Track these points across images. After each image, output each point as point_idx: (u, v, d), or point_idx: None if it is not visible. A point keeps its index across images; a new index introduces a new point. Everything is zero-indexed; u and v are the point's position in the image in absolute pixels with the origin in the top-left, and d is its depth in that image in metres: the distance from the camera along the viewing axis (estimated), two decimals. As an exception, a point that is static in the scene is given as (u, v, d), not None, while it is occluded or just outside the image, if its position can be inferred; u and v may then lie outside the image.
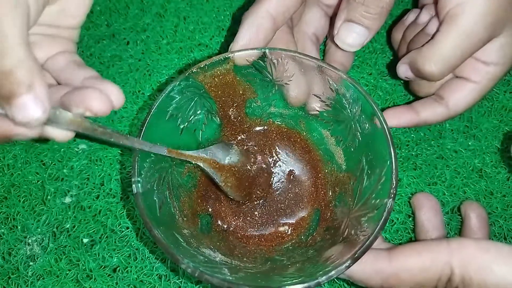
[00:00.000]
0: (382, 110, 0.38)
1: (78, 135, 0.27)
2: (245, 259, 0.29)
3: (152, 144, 0.27)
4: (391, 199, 0.25)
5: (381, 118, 0.28)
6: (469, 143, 0.38)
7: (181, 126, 0.31)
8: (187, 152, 0.30)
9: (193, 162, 0.30)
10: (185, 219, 0.29)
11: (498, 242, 0.27)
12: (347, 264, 0.24)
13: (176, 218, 0.29)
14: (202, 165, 0.30)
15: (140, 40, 0.39)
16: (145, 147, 0.27)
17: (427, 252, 0.26)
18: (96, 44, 0.39)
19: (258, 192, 0.33)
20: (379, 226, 0.25)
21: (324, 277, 0.24)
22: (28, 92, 0.21)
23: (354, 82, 0.29)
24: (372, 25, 0.32)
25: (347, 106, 0.30)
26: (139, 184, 0.26)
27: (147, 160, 0.28)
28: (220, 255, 0.28)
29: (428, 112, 0.35)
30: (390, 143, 0.27)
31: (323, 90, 0.31)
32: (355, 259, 0.24)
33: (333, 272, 0.24)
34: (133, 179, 0.26)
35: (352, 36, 0.33)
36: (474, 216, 0.34)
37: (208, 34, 0.40)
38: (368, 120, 0.28)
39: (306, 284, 0.23)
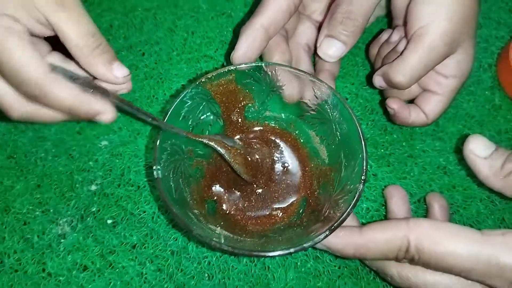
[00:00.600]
0: (365, 113, 0.44)
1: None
2: (244, 235, 0.35)
3: (176, 127, 0.34)
4: (361, 184, 0.32)
5: (355, 120, 0.34)
6: (436, 144, 0.44)
7: (192, 126, 0.37)
8: (202, 135, 0.36)
9: (206, 142, 0.36)
10: (195, 202, 0.35)
11: (449, 223, 0.33)
12: (326, 233, 0.30)
13: (188, 201, 0.35)
14: (214, 144, 0.36)
15: (153, 51, 0.45)
16: (169, 128, 0.33)
17: (390, 228, 0.32)
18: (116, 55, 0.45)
19: (261, 176, 0.39)
20: (351, 205, 0.31)
21: (307, 244, 0.30)
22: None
23: (333, 90, 0.35)
24: (348, 41, 0.39)
25: (328, 110, 0.36)
26: (159, 171, 0.32)
27: (165, 153, 0.34)
28: (224, 231, 0.34)
29: (414, 115, 0.41)
30: (362, 140, 0.33)
31: (310, 97, 0.37)
32: (331, 230, 0.30)
33: (315, 240, 0.30)
34: (154, 167, 0.32)
35: (332, 49, 0.39)
36: (437, 206, 0.39)
37: (212, 47, 0.46)
38: (345, 122, 0.35)
39: (293, 249, 0.30)
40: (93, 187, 0.39)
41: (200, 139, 0.36)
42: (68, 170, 0.40)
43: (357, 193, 0.32)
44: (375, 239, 0.32)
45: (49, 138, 0.41)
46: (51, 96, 0.31)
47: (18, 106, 0.32)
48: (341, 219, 0.30)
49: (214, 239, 0.31)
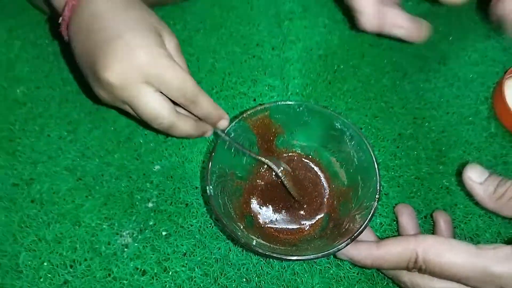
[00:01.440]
0: (377, 141, 0.52)
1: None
2: (278, 244, 0.42)
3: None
4: (376, 202, 0.39)
5: (370, 150, 0.41)
6: (439, 168, 0.51)
7: (234, 153, 0.45)
8: (269, 158, 0.46)
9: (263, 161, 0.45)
10: (237, 216, 0.43)
11: (450, 239, 0.39)
12: (347, 241, 0.37)
13: (232, 215, 0.42)
14: (270, 164, 0.45)
15: (196, 90, 0.54)
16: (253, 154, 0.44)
17: (401, 243, 0.38)
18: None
19: (304, 192, 0.47)
20: (368, 219, 0.38)
21: (332, 250, 0.37)
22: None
23: (352, 124, 0.43)
24: None
25: (347, 141, 0.44)
26: (211, 190, 0.40)
27: (214, 175, 0.41)
28: (261, 240, 0.41)
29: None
30: (376, 166, 0.40)
31: (330, 129, 0.45)
32: (352, 239, 0.37)
33: (338, 247, 0.37)
34: (207, 187, 0.40)
35: None
36: (442, 221, 0.46)
37: (246, 85, 0.54)
38: (361, 151, 0.42)
39: (320, 254, 0.37)
40: (150, 205, 0.47)
41: (266, 160, 0.45)
42: (129, 190, 0.47)
43: (372, 209, 0.39)
44: (389, 252, 0.39)
45: (112, 163, 0.49)
46: (178, 129, 0.43)
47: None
48: (359, 230, 0.38)
49: (255, 245, 0.38)
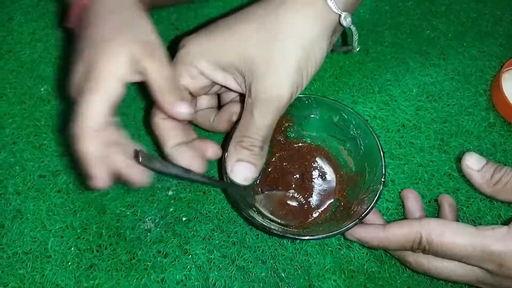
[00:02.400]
0: (382, 131, 0.55)
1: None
2: (291, 228, 0.45)
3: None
4: (381, 185, 0.42)
5: (375, 136, 0.44)
6: (442, 156, 0.54)
7: None
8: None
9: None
10: (252, 204, 0.46)
11: (452, 221, 0.42)
12: (356, 221, 0.40)
13: (248, 202, 0.45)
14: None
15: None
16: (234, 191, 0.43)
17: (406, 225, 0.41)
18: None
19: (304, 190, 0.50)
20: (374, 201, 0.41)
21: (342, 229, 0.40)
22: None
23: (357, 114, 0.46)
24: (257, 162, 0.41)
25: (354, 129, 0.47)
26: (228, 178, 0.43)
27: None
28: (274, 224, 0.44)
29: None
30: (381, 152, 0.43)
31: (338, 119, 0.48)
32: (360, 219, 0.40)
33: (348, 226, 0.40)
34: (224, 176, 0.42)
35: (244, 173, 0.41)
36: (447, 204, 0.48)
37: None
38: (367, 138, 0.45)
39: (331, 234, 0.40)
40: (170, 193, 0.50)
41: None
42: (150, 180, 0.50)
43: (379, 191, 0.42)
44: (395, 234, 0.41)
45: (133, 155, 0.52)
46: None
47: None
48: (367, 211, 0.41)
49: (272, 227, 0.41)
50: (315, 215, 0.48)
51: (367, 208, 0.41)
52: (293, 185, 0.50)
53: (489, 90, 0.58)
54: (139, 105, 0.55)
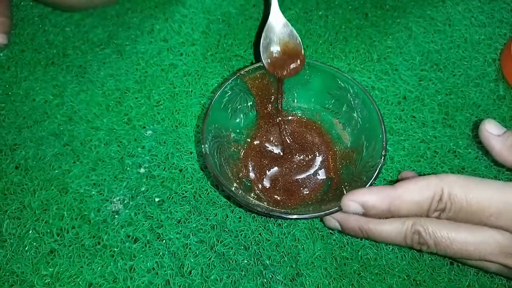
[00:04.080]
0: (381, 103, 0.49)
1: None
2: (277, 208, 0.40)
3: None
4: (382, 159, 0.36)
5: (375, 106, 0.39)
6: (446, 131, 0.48)
7: (230, 114, 0.42)
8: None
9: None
10: (234, 178, 0.40)
11: (475, 177, 0.35)
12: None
13: (229, 176, 0.39)
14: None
15: (190, 52, 0.51)
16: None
17: (421, 180, 0.34)
18: (158, 55, 0.50)
19: (292, 154, 0.44)
20: (374, 177, 0.36)
21: (335, 209, 0.34)
22: None
23: (355, 81, 0.40)
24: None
25: (351, 99, 0.41)
26: (207, 148, 0.37)
27: (210, 134, 0.39)
28: (259, 202, 0.39)
29: None
30: (382, 123, 0.38)
31: (333, 88, 0.42)
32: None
33: (340, 202, 0.35)
34: (202, 145, 0.37)
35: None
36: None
37: (242, 47, 0.51)
38: (366, 108, 0.40)
39: (323, 212, 0.34)
40: (142, 170, 0.44)
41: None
42: (119, 155, 0.45)
43: (379, 166, 0.36)
44: (409, 190, 0.34)
45: (101, 128, 0.46)
46: None
47: None
48: (371, 181, 0.35)
49: (253, 203, 0.35)
50: (304, 193, 0.43)
51: (366, 185, 0.36)
52: (280, 162, 0.44)
53: (499, 59, 0.53)
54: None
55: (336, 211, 0.35)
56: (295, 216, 0.35)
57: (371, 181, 0.36)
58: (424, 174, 0.45)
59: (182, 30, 0.52)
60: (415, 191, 0.34)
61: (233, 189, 0.36)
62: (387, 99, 0.50)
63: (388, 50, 0.52)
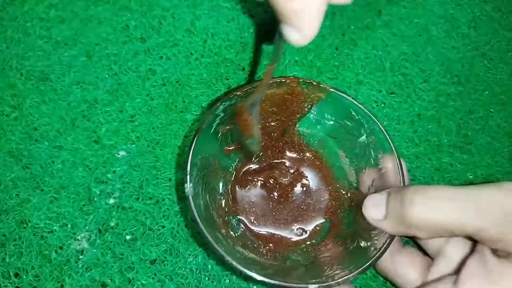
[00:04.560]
0: (392, 123, 0.43)
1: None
2: (268, 256, 0.34)
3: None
4: None
5: (395, 154, 0.32)
6: (464, 157, 0.42)
7: (220, 139, 0.36)
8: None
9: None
10: (220, 219, 0.34)
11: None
12: (365, 267, 0.29)
13: (215, 220, 0.33)
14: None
15: (172, 54, 0.43)
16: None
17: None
18: (133, 58, 0.43)
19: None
20: (387, 242, 0.30)
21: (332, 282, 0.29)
22: None
23: (374, 116, 0.33)
24: None
25: (364, 135, 0.34)
26: (191, 189, 0.31)
27: (195, 169, 0.32)
28: (250, 253, 0.33)
29: None
30: (402, 177, 0.32)
31: (344, 117, 0.35)
32: (364, 270, 0.29)
33: (346, 277, 0.29)
34: (186, 184, 0.31)
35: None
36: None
37: (233, 50, 0.44)
38: (381, 150, 0.33)
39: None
40: (111, 201, 0.38)
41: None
42: (86, 182, 0.39)
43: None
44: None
45: (65, 148, 0.40)
46: None
47: None
48: (375, 257, 0.29)
49: (249, 268, 0.29)
50: (298, 237, 0.37)
51: (378, 251, 0.30)
52: (272, 193, 0.38)
53: (529, 71, 0.46)
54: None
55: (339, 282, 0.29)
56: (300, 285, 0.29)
57: (384, 247, 0.30)
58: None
59: (162, 28, 0.44)
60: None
61: (218, 245, 0.30)
62: (398, 118, 0.43)
63: (402, 57, 0.45)
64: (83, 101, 0.41)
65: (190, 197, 0.31)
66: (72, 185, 0.39)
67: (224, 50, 0.44)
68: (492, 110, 0.44)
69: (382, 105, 0.43)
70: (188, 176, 0.31)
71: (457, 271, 0.31)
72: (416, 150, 0.42)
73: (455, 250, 0.32)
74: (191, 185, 0.31)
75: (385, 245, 0.30)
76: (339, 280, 0.29)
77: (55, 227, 0.37)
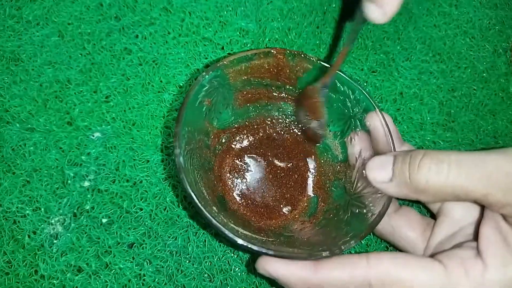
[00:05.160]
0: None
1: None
2: (262, 234, 0.33)
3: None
4: None
5: (380, 117, 0.32)
6: (447, 135, 0.42)
7: (205, 113, 0.34)
8: None
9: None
10: (209, 197, 0.33)
11: (413, 256, 0.30)
12: (365, 233, 0.29)
13: (206, 196, 0.32)
14: None
15: (148, 33, 0.42)
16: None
17: (348, 266, 0.29)
18: (107, 37, 0.41)
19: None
20: (385, 206, 0.29)
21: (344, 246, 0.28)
22: None
23: (360, 85, 0.33)
24: None
25: (349, 105, 0.34)
26: (183, 161, 0.29)
27: (183, 141, 0.31)
28: (242, 229, 0.32)
29: None
30: (389, 136, 0.31)
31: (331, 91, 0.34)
32: (364, 235, 0.29)
33: (351, 242, 0.28)
34: (176, 157, 0.29)
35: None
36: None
37: (211, 29, 0.43)
38: (370, 119, 0.33)
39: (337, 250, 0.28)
40: (86, 183, 0.37)
41: None
42: (59, 164, 0.37)
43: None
44: (331, 280, 0.29)
45: (37, 129, 0.38)
46: None
47: None
48: (375, 220, 0.29)
49: (244, 239, 0.28)
50: (286, 214, 0.36)
51: (378, 215, 0.29)
52: (259, 171, 0.37)
53: (511, 49, 0.45)
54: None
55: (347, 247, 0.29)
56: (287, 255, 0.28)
57: (382, 210, 0.29)
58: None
59: (137, 6, 0.43)
60: (338, 282, 0.29)
61: (218, 220, 0.29)
62: (381, 96, 0.42)
63: (384, 35, 0.45)
64: (56, 82, 0.39)
65: (182, 168, 0.29)
66: (44, 167, 0.37)
67: (203, 28, 0.43)
68: (475, 87, 0.44)
69: (364, 83, 0.43)
70: (178, 147, 0.29)
71: (467, 236, 0.31)
72: (399, 128, 0.41)
73: (458, 210, 0.33)
74: (181, 157, 0.29)
75: (383, 208, 0.29)
76: (342, 247, 0.28)
77: (27, 211, 0.36)
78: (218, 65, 0.33)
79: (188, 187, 0.29)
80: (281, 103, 0.37)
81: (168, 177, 0.38)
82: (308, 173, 0.37)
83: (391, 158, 0.30)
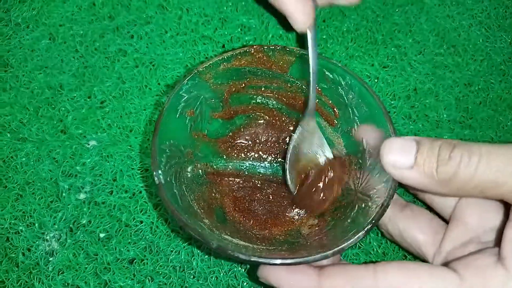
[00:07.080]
0: (387, 99, 0.39)
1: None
2: (264, 243, 0.31)
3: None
4: None
5: (376, 100, 0.30)
6: (465, 133, 0.39)
7: (190, 124, 0.32)
8: None
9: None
10: (202, 210, 0.31)
11: (421, 264, 0.27)
12: (368, 227, 0.27)
13: (195, 209, 0.30)
14: None
15: (144, 33, 0.39)
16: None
17: (354, 277, 0.27)
18: (101, 38, 0.39)
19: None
20: (388, 196, 0.27)
21: (346, 244, 0.26)
22: None
23: (348, 70, 0.31)
24: None
25: (343, 93, 0.31)
26: (161, 176, 0.27)
27: (164, 155, 0.29)
28: (240, 241, 0.30)
29: None
30: (389, 120, 0.29)
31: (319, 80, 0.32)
32: (372, 226, 0.27)
33: (353, 239, 0.26)
34: (154, 172, 0.27)
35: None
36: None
37: (211, 26, 0.40)
38: (365, 104, 0.30)
39: (330, 252, 0.26)
40: (82, 196, 0.35)
41: None
42: (53, 176, 0.35)
43: (392, 182, 0.27)
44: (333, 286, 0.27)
45: (29, 139, 0.36)
46: None
47: None
48: (380, 212, 0.27)
49: (232, 248, 0.26)
50: (291, 219, 0.34)
51: (381, 207, 0.27)
52: (261, 181, 0.35)
53: (530, 39, 0.43)
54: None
55: (343, 249, 0.26)
56: (289, 261, 0.26)
57: (386, 201, 0.27)
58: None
59: (132, 4, 0.40)
60: None
61: (200, 229, 0.27)
62: (393, 93, 0.40)
63: (395, 28, 0.42)
64: (47, 88, 0.37)
65: (161, 184, 0.27)
66: (38, 180, 0.35)
67: (201, 26, 0.40)
68: (492, 81, 0.41)
69: (376, 80, 0.40)
70: (156, 163, 0.28)
71: (486, 242, 0.29)
72: (414, 127, 0.39)
73: (474, 216, 0.30)
74: (160, 172, 0.27)
75: (386, 200, 0.27)
76: (349, 242, 0.26)
77: (21, 227, 0.34)
78: (193, 72, 0.30)
79: (167, 202, 0.27)
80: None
81: (169, 186, 0.35)
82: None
83: (413, 143, 0.27)
